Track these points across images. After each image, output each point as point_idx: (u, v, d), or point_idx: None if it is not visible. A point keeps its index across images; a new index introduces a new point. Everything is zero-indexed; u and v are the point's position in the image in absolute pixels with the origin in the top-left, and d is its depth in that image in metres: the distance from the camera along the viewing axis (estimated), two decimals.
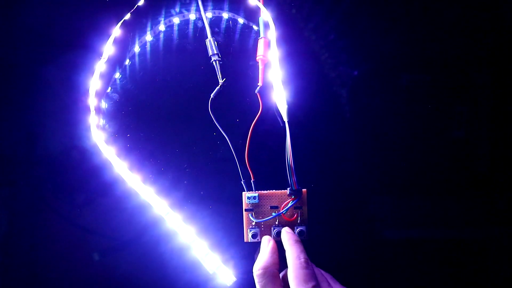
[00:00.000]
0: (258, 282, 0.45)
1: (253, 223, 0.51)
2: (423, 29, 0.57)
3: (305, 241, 0.52)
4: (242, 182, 0.53)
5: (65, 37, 0.57)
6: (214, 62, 0.54)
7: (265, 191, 0.52)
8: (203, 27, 0.55)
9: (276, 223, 0.52)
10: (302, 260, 0.44)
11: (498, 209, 0.57)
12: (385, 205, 0.57)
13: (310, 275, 0.43)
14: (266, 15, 0.54)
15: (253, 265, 0.46)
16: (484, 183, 0.57)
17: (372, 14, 0.58)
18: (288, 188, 0.51)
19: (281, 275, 0.47)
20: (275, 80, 0.52)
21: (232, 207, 0.54)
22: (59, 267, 0.55)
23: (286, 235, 0.49)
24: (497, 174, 0.57)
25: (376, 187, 0.57)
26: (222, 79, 0.54)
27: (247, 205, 0.52)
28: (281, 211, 0.51)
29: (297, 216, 0.52)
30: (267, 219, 0.51)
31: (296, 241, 0.47)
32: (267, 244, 0.48)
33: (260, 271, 0.45)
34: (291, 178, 0.50)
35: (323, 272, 0.48)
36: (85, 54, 0.55)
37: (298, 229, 0.51)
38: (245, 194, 0.52)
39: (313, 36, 0.57)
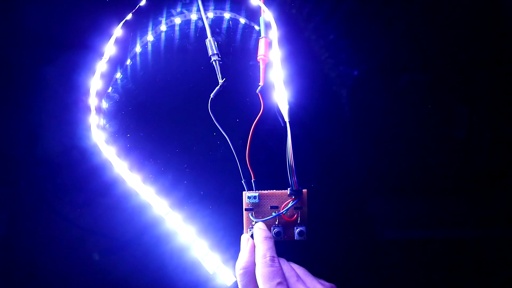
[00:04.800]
0: (240, 281, 0.46)
1: (253, 223, 0.51)
2: (423, 29, 0.57)
3: (305, 241, 0.52)
4: (242, 182, 0.53)
5: (66, 37, 0.57)
6: (214, 62, 0.54)
7: (266, 191, 0.52)
8: (203, 27, 0.56)
9: (276, 223, 0.52)
10: (268, 258, 0.45)
11: (498, 209, 0.57)
12: (385, 205, 0.57)
13: (275, 273, 0.44)
14: (267, 15, 0.54)
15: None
16: (484, 183, 0.57)
17: (372, 14, 0.58)
18: (288, 188, 0.51)
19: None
20: (277, 80, 0.52)
21: (232, 207, 0.54)
22: (59, 267, 0.55)
23: (257, 231, 0.49)
24: (497, 174, 0.57)
25: (376, 187, 0.57)
26: (222, 79, 0.54)
27: (248, 204, 0.52)
28: (281, 211, 0.51)
29: (297, 216, 0.52)
30: (267, 219, 0.51)
31: (266, 238, 0.48)
32: (246, 243, 0.49)
33: (242, 271, 0.46)
34: (291, 179, 0.50)
35: (295, 266, 0.48)
36: (86, 54, 0.55)
37: (298, 229, 0.51)
38: (246, 194, 0.52)
39: (314, 36, 0.57)
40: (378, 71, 0.57)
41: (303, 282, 0.45)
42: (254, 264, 0.47)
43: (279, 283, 0.43)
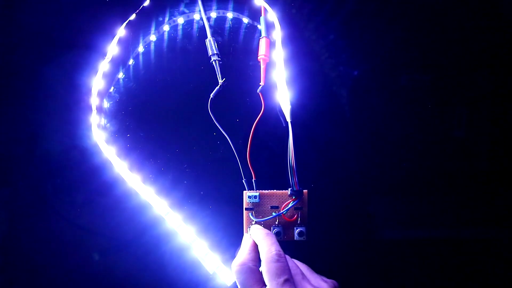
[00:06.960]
0: (237, 278, 0.45)
1: (253, 222, 0.51)
2: (423, 29, 0.58)
3: (305, 242, 0.52)
4: (243, 181, 0.53)
5: (69, 37, 0.57)
6: (213, 62, 0.54)
7: (266, 191, 0.52)
8: (204, 27, 0.56)
9: (276, 223, 0.52)
10: (274, 253, 0.44)
11: (498, 209, 0.57)
12: (385, 205, 0.57)
13: (282, 268, 0.43)
14: (271, 15, 0.54)
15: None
16: (484, 183, 0.57)
17: (372, 14, 0.58)
18: (289, 189, 0.51)
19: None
20: (279, 80, 0.52)
21: (232, 207, 0.54)
22: (59, 267, 0.55)
23: (256, 231, 0.48)
24: (497, 174, 0.57)
25: (376, 187, 0.57)
26: (222, 79, 0.54)
27: (248, 204, 0.52)
28: (281, 211, 0.51)
29: (297, 217, 0.52)
30: (267, 219, 0.51)
31: (267, 234, 0.47)
32: (246, 241, 0.48)
33: (237, 268, 0.45)
34: (292, 179, 0.50)
35: (298, 263, 0.48)
36: (89, 54, 0.55)
37: (298, 230, 0.51)
38: (246, 193, 0.52)
39: (315, 36, 0.57)
40: (378, 71, 0.57)
41: (308, 280, 0.44)
42: (252, 261, 0.46)
43: (286, 280, 0.42)
